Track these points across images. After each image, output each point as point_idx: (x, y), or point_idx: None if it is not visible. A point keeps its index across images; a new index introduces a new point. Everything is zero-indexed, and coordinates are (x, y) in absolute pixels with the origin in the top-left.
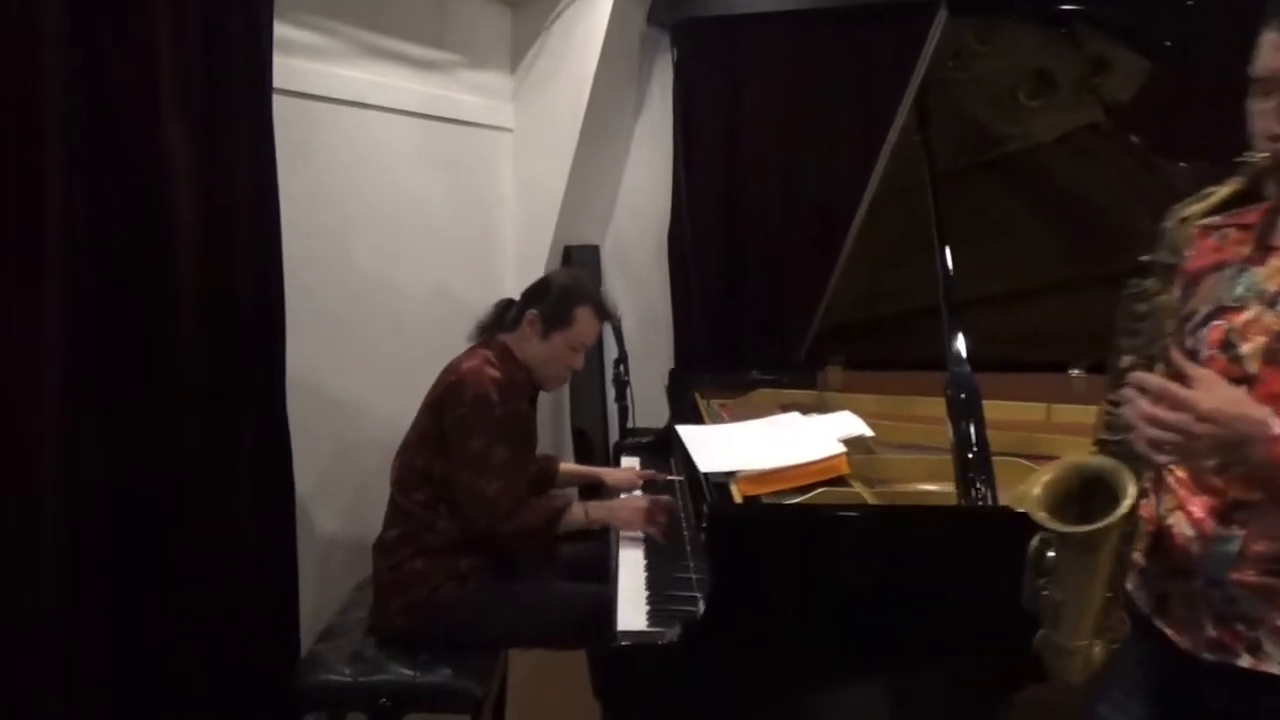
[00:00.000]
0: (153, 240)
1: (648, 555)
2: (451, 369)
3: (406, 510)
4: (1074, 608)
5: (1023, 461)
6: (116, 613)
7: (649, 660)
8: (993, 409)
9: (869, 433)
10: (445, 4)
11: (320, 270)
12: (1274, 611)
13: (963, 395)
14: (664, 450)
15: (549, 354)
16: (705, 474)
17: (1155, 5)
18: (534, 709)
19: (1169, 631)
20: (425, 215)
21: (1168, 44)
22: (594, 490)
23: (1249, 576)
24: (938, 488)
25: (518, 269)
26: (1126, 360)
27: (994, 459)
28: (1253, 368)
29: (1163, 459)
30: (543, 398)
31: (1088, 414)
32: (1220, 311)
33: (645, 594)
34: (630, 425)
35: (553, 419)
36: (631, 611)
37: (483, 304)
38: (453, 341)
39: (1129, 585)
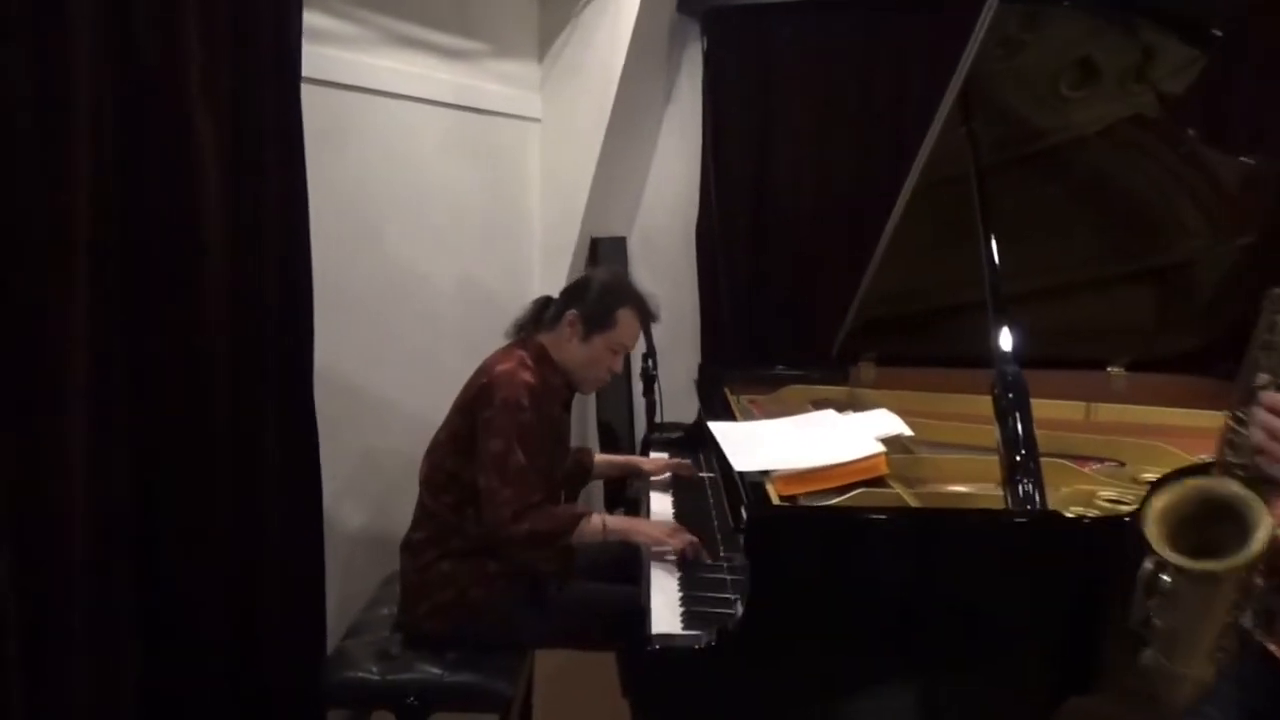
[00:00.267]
0: (181, 231)
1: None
2: (484, 370)
3: (434, 512)
4: (1190, 635)
5: (1065, 462)
6: (144, 607)
7: (685, 664)
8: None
9: (908, 432)
10: None
11: (346, 261)
12: None
13: (1010, 395)
14: (693, 446)
15: (589, 356)
16: (740, 473)
17: None
18: (560, 707)
19: (1275, 650)
20: (451, 206)
21: (1218, 34)
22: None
23: None
24: (978, 489)
25: (544, 261)
26: (1263, 379)
27: None
28: None
29: None
30: None
31: (1128, 413)
32: None
33: (678, 595)
34: (658, 420)
35: (579, 412)
36: (665, 613)
37: (509, 296)
38: (479, 334)
39: None
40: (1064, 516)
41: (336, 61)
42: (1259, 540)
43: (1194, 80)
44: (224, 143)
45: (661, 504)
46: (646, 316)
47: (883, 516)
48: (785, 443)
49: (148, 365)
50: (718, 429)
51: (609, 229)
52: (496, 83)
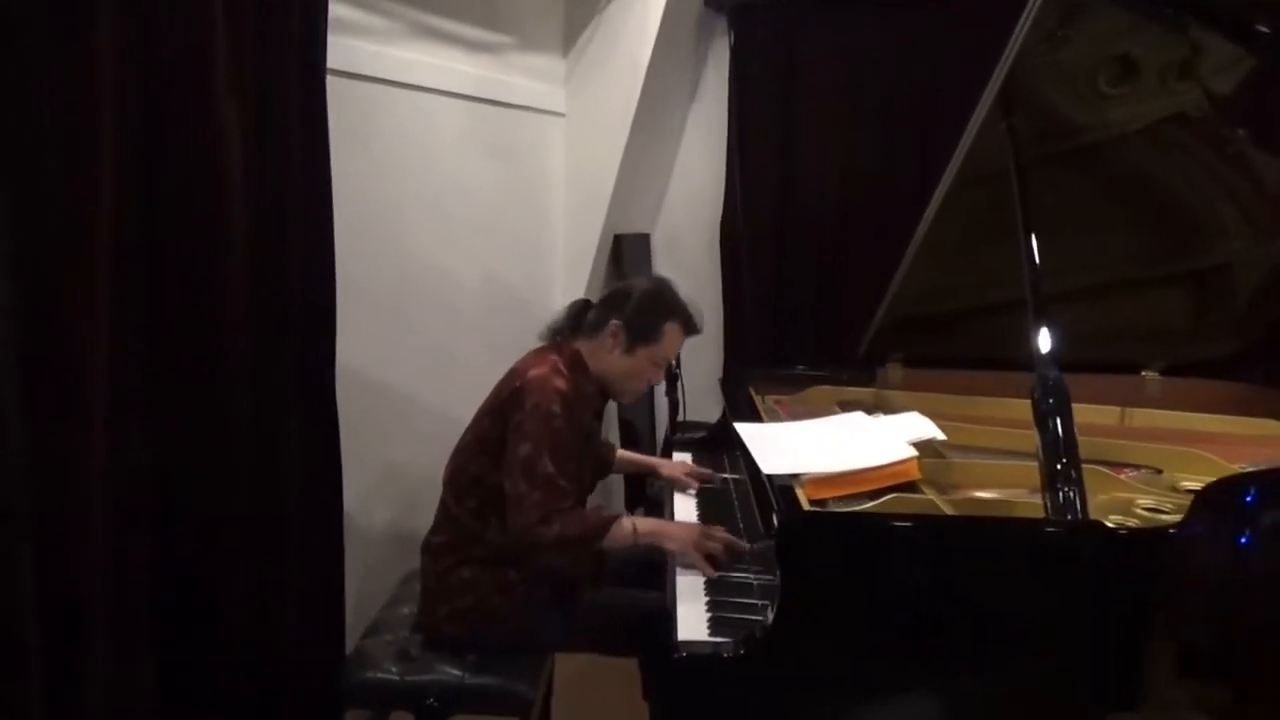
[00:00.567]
0: (205, 223)
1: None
2: (516, 373)
3: (456, 517)
4: None
5: (1101, 469)
6: (163, 604)
7: (713, 672)
8: None
9: (940, 436)
10: None
11: (367, 256)
12: None
13: (1051, 399)
14: (716, 445)
15: (631, 368)
16: (769, 476)
17: None
18: (580, 710)
19: None
20: (474, 201)
21: (1265, 31)
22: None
23: None
24: (1012, 496)
25: (567, 258)
26: None
27: None
28: None
29: None
30: None
31: (1165, 419)
32: None
33: (704, 600)
34: (681, 419)
35: None
36: (691, 620)
37: (531, 293)
38: (501, 332)
39: None
40: (1106, 526)
41: (360, 53)
42: None
43: (1242, 79)
44: (249, 135)
45: (685, 505)
46: (691, 329)
47: (921, 524)
48: (814, 445)
49: (169, 360)
50: (744, 430)
51: (632, 226)
52: (521, 76)
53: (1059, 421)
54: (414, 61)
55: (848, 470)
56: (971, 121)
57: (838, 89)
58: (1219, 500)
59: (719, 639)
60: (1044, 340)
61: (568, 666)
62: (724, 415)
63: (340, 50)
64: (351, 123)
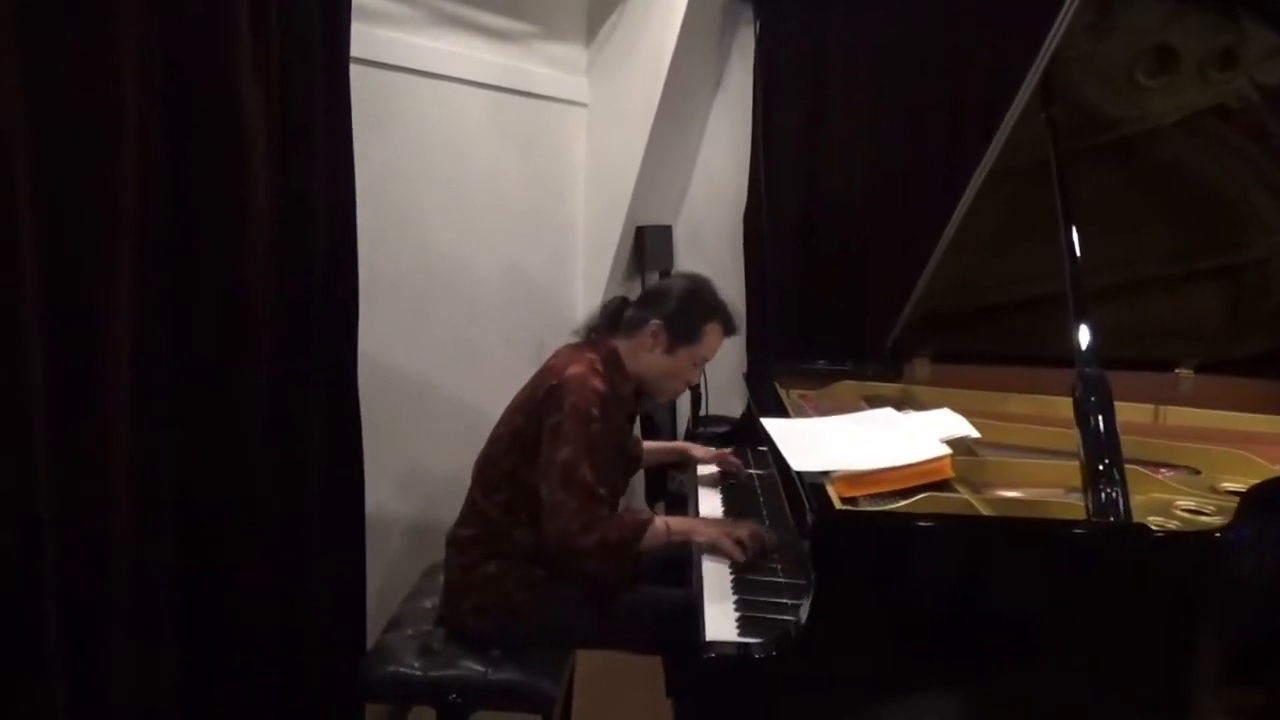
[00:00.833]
0: (228, 213)
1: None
2: (552, 371)
3: (484, 512)
4: None
5: (1138, 468)
6: (185, 598)
7: (745, 672)
8: None
9: (974, 433)
10: None
11: (388, 246)
12: None
13: (1092, 397)
14: (738, 440)
15: (671, 368)
16: (799, 474)
17: None
18: (601, 706)
19: None
20: (494, 192)
21: None
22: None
23: None
24: (1047, 495)
25: (588, 249)
26: None
27: None
28: None
29: None
30: None
31: (1202, 417)
32: None
33: (732, 600)
34: (703, 413)
35: None
36: (720, 619)
37: (552, 286)
38: (521, 325)
39: None
40: (1152, 528)
41: (382, 41)
42: None
43: None
44: (272, 124)
45: (710, 501)
46: (730, 330)
47: (959, 524)
48: (845, 442)
49: (191, 353)
50: (773, 426)
51: (655, 218)
52: (543, 66)
53: (1101, 419)
54: (436, 50)
55: (879, 468)
56: (1009, 113)
57: (865, 79)
58: (1267, 502)
59: (749, 639)
60: (1085, 336)
61: (587, 663)
62: (748, 409)
63: (363, 38)
64: (373, 111)
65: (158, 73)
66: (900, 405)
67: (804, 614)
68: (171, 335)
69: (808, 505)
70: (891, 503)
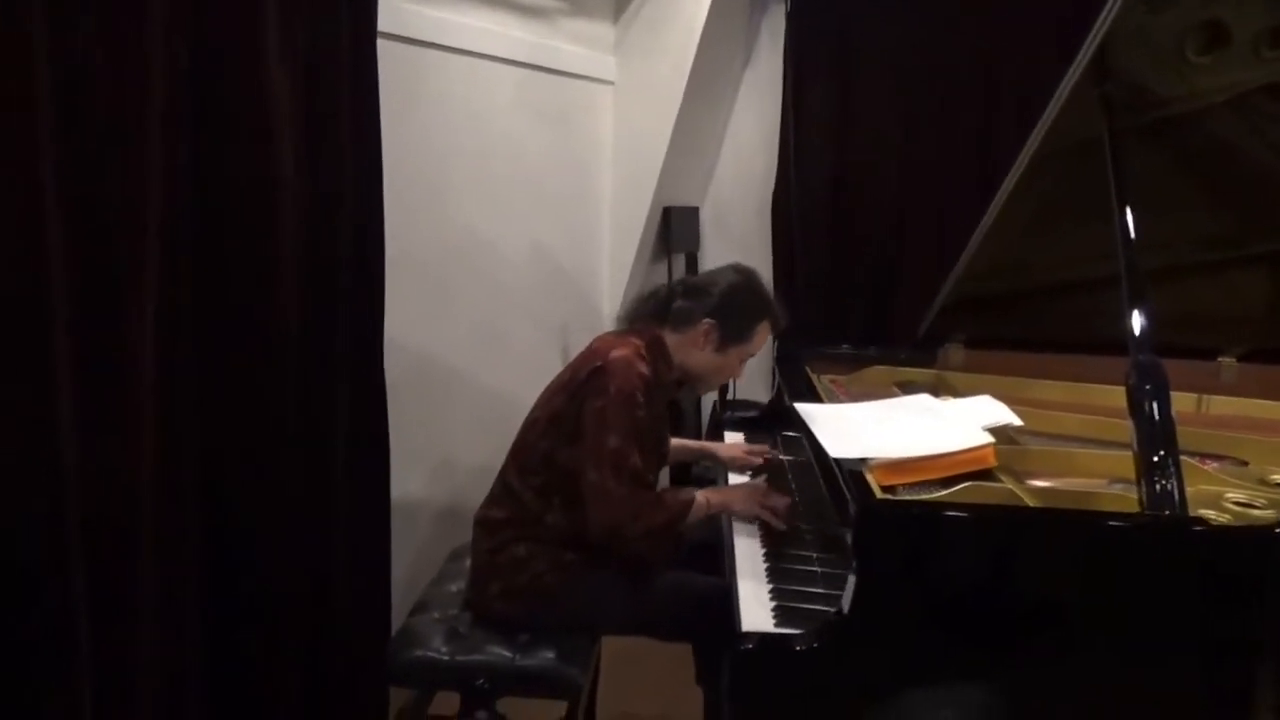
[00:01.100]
0: (255, 193)
1: (765, 544)
2: (596, 353)
3: (517, 493)
4: None
5: (1184, 459)
6: (213, 577)
7: (784, 664)
8: None
9: (1016, 421)
10: None
11: (413, 225)
12: None
13: (1147, 385)
14: (767, 424)
15: (720, 365)
16: (838, 461)
17: None
18: (626, 692)
19: None
20: (520, 170)
21: None
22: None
23: None
24: (1093, 486)
25: (614, 230)
26: None
27: None
28: None
29: None
30: None
31: (1245, 407)
32: None
33: (767, 589)
34: (730, 397)
35: None
36: (755, 609)
37: (577, 266)
38: (545, 306)
39: None
40: (1212, 523)
41: (409, 15)
42: None
43: None
44: (298, 101)
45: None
46: (779, 328)
47: (1009, 516)
48: (883, 429)
49: (219, 335)
50: (808, 412)
51: (682, 198)
52: (570, 42)
53: (1157, 408)
54: (463, 25)
55: (920, 456)
56: (1060, 89)
57: (897, 57)
58: None
59: (786, 629)
60: (1140, 322)
61: (610, 647)
62: (777, 393)
63: (389, 13)
64: (400, 87)
65: (184, 50)
66: (934, 391)
67: (845, 604)
68: (198, 319)
69: (848, 494)
70: (931, 491)
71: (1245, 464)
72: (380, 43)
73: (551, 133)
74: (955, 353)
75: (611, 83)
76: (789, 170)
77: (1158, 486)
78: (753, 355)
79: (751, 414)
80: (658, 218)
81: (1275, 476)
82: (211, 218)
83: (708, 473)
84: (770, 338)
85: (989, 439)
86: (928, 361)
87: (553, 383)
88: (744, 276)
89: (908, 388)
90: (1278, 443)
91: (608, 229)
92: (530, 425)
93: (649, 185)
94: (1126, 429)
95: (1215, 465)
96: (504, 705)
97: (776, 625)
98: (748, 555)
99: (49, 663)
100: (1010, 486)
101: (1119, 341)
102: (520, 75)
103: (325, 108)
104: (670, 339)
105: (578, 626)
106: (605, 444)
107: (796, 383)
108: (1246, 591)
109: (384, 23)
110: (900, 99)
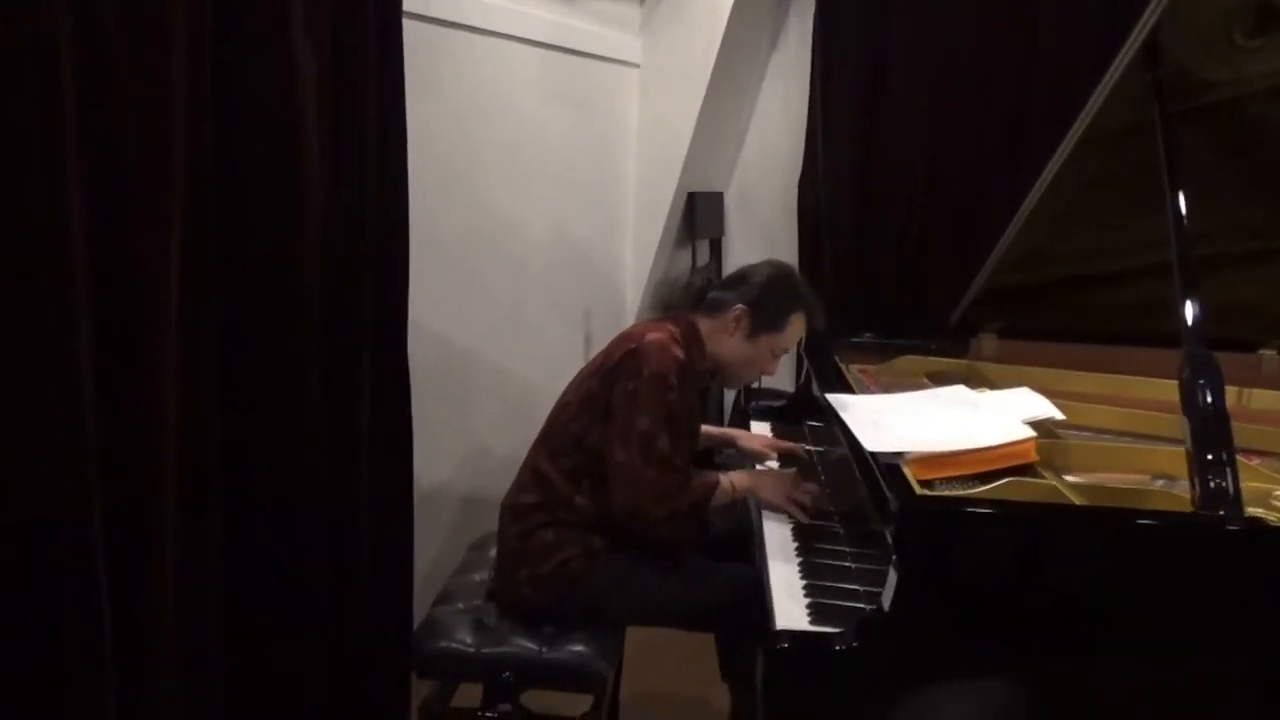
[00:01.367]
0: (279, 174)
1: (796, 538)
2: (630, 336)
3: (547, 476)
4: None
5: None
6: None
7: (822, 663)
8: (1172, 390)
9: (1057, 414)
10: None
11: (437, 206)
12: None
13: (1201, 380)
14: (793, 414)
15: (750, 355)
16: (873, 454)
17: None
18: (649, 684)
19: None
20: (544, 153)
21: None
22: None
23: None
24: (1138, 483)
25: (638, 215)
26: None
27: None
28: None
29: None
30: None
31: None
32: None
33: (801, 586)
34: (756, 385)
35: None
36: (789, 606)
37: (601, 251)
38: (569, 292)
39: None
40: (1271, 523)
41: None
42: None
43: None
44: (324, 80)
45: None
46: (816, 323)
47: (1057, 514)
48: (918, 421)
49: (242, 318)
50: (840, 403)
51: (706, 183)
52: (595, 23)
53: (1211, 404)
54: (488, 5)
55: (959, 450)
56: (1108, 73)
57: (929, 40)
58: None
59: (821, 628)
60: (1192, 313)
61: (632, 638)
62: (806, 382)
63: None
64: (424, 67)
65: (208, 31)
66: (967, 382)
67: (886, 601)
68: (221, 301)
69: (886, 489)
70: (969, 487)
71: None
72: (407, 23)
73: (576, 115)
74: (988, 342)
75: (637, 65)
76: (816, 155)
77: (1211, 484)
78: (786, 350)
79: (778, 403)
80: (682, 203)
81: None
82: (234, 199)
83: (729, 460)
84: (804, 333)
85: (1030, 433)
86: (960, 351)
87: (585, 367)
88: (781, 269)
89: (939, 378)
90: None
91: (632, 213)
92: (562, 408)
93: (674, 170)
94: (1168, 423)
95: (1259, 461)
96: (527, 698)
97: (811, 624)
98: (778, 546)
99: (73, 650)
100: (1053, 483)
101: (1159, 334)
102: (544, 57)
103: (350, 85)
104: (703, 326)
105: (604, 615)
106: (635, 425)
107: (825, 372)
108: None
109: (413, 4)
110: (932, 82)
